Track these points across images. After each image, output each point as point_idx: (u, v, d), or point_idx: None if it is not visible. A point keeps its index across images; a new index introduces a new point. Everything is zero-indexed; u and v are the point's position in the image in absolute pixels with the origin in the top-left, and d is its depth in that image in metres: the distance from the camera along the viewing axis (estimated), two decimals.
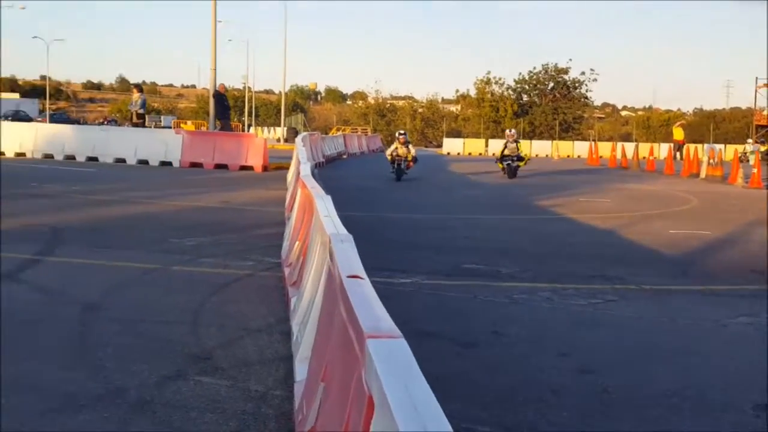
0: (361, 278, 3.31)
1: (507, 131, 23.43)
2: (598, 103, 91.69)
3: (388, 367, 2.05)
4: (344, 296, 3.13)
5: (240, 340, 5.28)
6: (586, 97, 71.31)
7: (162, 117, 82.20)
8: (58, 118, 65.88)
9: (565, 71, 69.65)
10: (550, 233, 11.74)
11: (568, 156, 44.40)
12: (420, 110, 79.12)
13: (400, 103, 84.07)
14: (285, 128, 54.73)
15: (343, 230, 4.34)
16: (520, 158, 21.92)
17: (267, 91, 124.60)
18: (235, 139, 22.91)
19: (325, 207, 5.26)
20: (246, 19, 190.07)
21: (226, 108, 24.91)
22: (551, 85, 70.78)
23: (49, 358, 4.79)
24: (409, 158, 19.63)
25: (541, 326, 6.16)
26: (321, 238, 4.74)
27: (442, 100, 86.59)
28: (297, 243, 6.64)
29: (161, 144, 21.68)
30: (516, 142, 22.11)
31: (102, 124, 67.03)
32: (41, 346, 5.02)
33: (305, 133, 24.95)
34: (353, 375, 2.45)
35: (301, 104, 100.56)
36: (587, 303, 6.85)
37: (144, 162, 21.23)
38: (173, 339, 5.27)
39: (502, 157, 21.91)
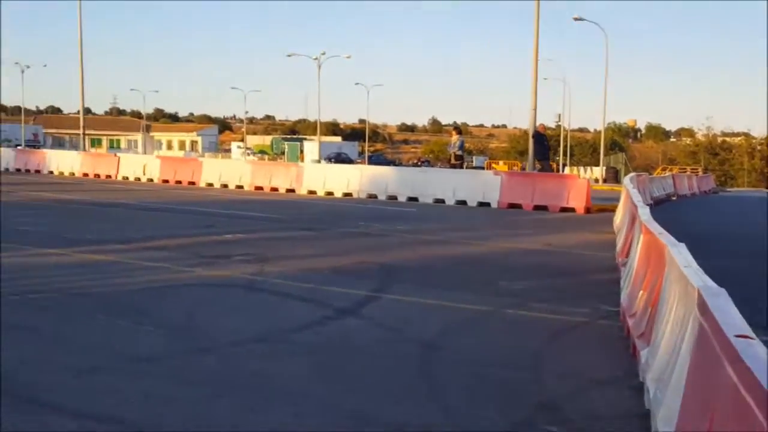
0: (752, 338, 2.95)
1: None
2: None
3: None
4: (734, 358, 2.80)
5: (587, 391, 5.02)
6: None
7: (474, 157, 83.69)
8: (375, 159, 71.07)
9: None
10: None
11: None
12: (759, 148, 72.40)
13: (736, 140, 77.73)
14: (604, 168, 53.11)
15: (711, 282, 3.94)
16: None
17: (581, 130, 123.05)
18: (555, 180, 22.66)
19: (682, 256, 4.85)
20: (561, 56, 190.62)
21: (546, 148, 24.72)
22: None
23: (396, 395, 4.91)
24: None
25: None
26: (680, 290, 4.35)
27: None
28: (641, 292, 6.22)
29: (479, 185, 21.93)
30: None
31: (417, 164, 70.92)
32: (387, 383, 5.19)
33: (633, 174, 23.89)
34: None
35: (619, 142, 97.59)
36: None
37: (462, 202, 21.57)
38: (516, 385, 5.17)
39: None
